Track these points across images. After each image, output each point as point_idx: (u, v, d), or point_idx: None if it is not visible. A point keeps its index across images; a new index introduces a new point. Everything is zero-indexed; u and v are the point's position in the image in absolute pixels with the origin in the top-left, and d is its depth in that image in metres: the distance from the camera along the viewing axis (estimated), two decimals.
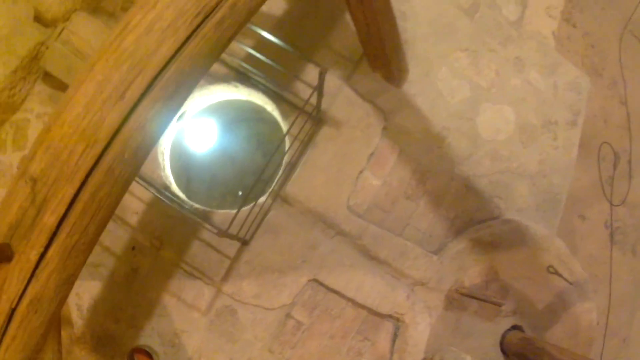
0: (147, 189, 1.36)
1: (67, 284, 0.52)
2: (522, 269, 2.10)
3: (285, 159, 1.75)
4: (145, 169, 1.64)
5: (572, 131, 2.31)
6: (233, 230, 1.32)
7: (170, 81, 0.63)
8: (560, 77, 2.33)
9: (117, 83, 0.58)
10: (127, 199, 1.51)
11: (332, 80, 1.81)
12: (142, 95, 0.60)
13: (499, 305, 2.01)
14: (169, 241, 1.53)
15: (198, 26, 0.65)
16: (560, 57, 2.43)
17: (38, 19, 1.62)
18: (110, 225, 1.44)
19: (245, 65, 1.68)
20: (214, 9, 0.70)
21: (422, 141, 1.93)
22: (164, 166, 1.77)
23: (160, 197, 1.41)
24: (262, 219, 1.65)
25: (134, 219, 1.51)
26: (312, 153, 1.74)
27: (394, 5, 1.92)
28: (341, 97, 1.80)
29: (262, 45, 1.60)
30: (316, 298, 1.72)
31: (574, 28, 3.59)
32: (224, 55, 1.75)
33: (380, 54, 1.77)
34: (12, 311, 0.50)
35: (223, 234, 1.27)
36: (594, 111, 3.55)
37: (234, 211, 1.29)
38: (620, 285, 3.53)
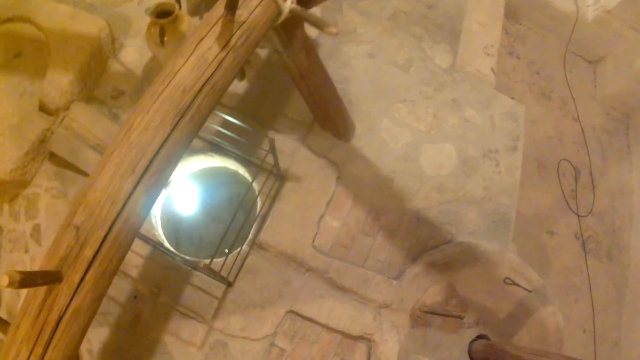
0: (147, 242, 1.80)
1: (98, 299, 0.91)
2: (478, 283, 2.47)
3: (258, 212, 2.18)
4: (142, 229, 2.07)
5: (513, 156, 2.75)
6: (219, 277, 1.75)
7: (162, 160, 1.07)
8: (495, 109, 2.79)
9: (128, 164, 1.01)
10: (128, 254, 1.94)
11: (290, 143, 2.28)
12: (145, 171, 1.03)
13: (460, 317, 2.38)
14: (166, 288, 1.95)
15: (177, 123, 1.10)
16: (494, 92, 2.90)
17: (43, 109, 2.13)
18: (115, 279, 1.87)
19: (217, 139, 2.16)
20: (186, 110, 1.15)
21: (373, 185, 2.37)
22: (156, 227, 2.21)
23: (160, 249, 1.85)
24: (242, 264, 2.07)
25: (134, 272, 1.94)
26: (279, 205, 2.18)
27: (337, 71, 2.44)
28: (298, 156, 2.26)
29: (230, 122, 2.07)
30: (295, 326, 2.10)
31: (518, 59, 4.12)
32: (200, 132, 2.22)
33: (327, 117, 2.25)
34: (60, 319, 0.90)
35: (213, 272, 1.70)
36: (548, 132, 3.99)
37: (221, 259, 1.72)
38: (601, 291, 3.81)
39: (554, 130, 4.02)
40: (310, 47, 1.86)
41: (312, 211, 2.23)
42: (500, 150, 2.77)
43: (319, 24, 1.37)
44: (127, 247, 0.96)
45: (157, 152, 0.97)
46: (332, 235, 2.26)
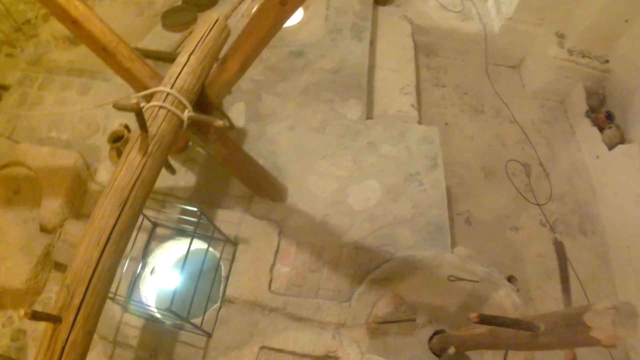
0: (147, 310, 2.55)
1: (89, 334, 1.60)
2: (423, 287, 3.07)
3: (223, 274, 2.91)
4: (138, 308, 2.81)
5: (435, 173, 3.44)
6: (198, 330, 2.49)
7: (116, 235, 1.82)
8: (410, 139, 3.52)
9: (95, 240, 1.76)
10: (128, 329, 2.69)
11: (236, 215, 3.07)
12: (106, 243, 1.78)
13: (412, 320, 2.96)
14: (161, 349, 2.66)
15: (121, 210, 1.85)
16: (406, 125, 3.64)
17: (43, 229, 3.01)
18: (118, 350, 2.60)
19: (182, 225, 2.95)
20: (126, 200, 1.91)
21: (311, 230, 3.08)
22: (149, 304, 2.95)
23: (159, 312, 2.58)
24: (217, 317, 2.76)
25: (134, 342, 2.68)
26: (236, 265, 2.92)
27: (266, 148, 3.24)
28: (244, 223, 3.02)
29: (185, 210, 2.85)
30: (269, 359, 2.73)
31: (445, 87, 4.89)
32: (165, 222, 3.01)
33: (259, 187, 3.04)
34: (63, 349, 1.60)
35: (196, 328, 2.43)
36: (489, 142, 4.67)
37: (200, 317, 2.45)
38: (585, 265, 4.28)
39: (494, 138, 4.68)
40: (225, 138, 2.67)
41: (264, 263, 2.94)
42: (421, 172, 3.45)
43: (209, 122, 2.13)
44: (104, 294, 1.70)
45: (111, 230, 1.73)
46: (284, 278, 2.95)
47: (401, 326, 3.01)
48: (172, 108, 1.98)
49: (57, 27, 4.12)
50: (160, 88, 2.03)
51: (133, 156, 1.87)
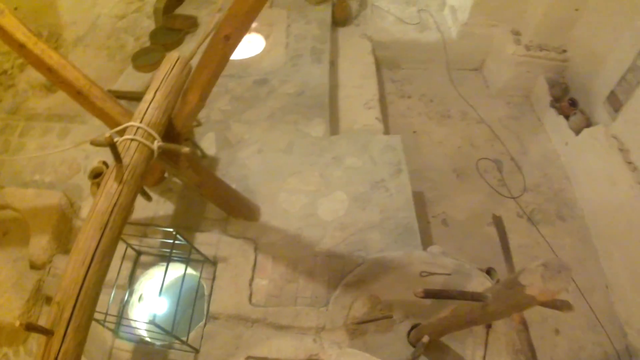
0: (135, 333, 2.84)
1: (80, 345, 1.89)
2: (397, 285, 3.34)
3: (206, 292, 3.21)
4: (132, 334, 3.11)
5: (399, 178, 3.76)
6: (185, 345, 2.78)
7: (99, 255, 2.13)
8: (373, 149, 3.85)
9: (80, 260, 2.08)
10: (120, 353, 2.98)
11: (214, 236, 3.40)
12: (90, 262, 2.09)
13: (389, 317, 3.22)
14: None
15: (103, 232, 2.17)
16: (368, 136, 3.97)
17: (33, 266, 3.34)
18: None
19: (163, 250, 3.27)
20: (106, 224, 2.23)
21: (285, 244, 3.40)
22: (139, 328, 3.25)
23: (147, 332, 2.87)
24: (203, 333, 3.05)
25: None
26: (217, 282, 3.23)
27: (237, 172, 3.58)
28: (222, 243, 3.35)
29: (168, 236, 3.17)
30: None
31: (410, 98, 5.25)
32: (148, 249, 3.33)
33: (232, 209, 3.36)
34: (56, 359, 1.90)
35: (184, 344, 2.72)
36: (458, 144, 4.99)
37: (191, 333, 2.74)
38: (568, 249, 4.54)
39: (463, 140, 5.01)
40: (195, 165, 3.02)
41: (243, 279, 3.24)
42: (386, 178, 3.78)
43: (176, 150, 2.47)
44: (91, 309, 2.01)
45: (94, 251, 2.05)
46: (263, 291, 3.25)
47: (379, 324, 3.27)
48: (142, 140, 2.34)
49: (33, 75, 4.56)
50: (131, 123, 2.39)
51: (110, 185, 2.23)
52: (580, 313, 4.23)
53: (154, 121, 2.47)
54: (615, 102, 4.49)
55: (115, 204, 2.16)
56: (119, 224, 2.23)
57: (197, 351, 3.05)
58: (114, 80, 4.75)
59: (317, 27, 4.86)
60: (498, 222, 2.44)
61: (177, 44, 4.75)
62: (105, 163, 3.45)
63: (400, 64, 5.43)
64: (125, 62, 4.93)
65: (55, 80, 2.54)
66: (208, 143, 3.88)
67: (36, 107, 4.51)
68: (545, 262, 1.78)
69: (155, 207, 3.56)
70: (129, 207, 2.29)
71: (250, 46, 4.83)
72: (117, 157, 2.18)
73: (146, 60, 4.58)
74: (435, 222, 4.48)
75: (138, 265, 3.40)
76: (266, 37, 4.78)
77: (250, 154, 3.85)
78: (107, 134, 2.10)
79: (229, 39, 2.26)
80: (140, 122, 2.41)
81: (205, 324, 3.17)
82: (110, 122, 2.69)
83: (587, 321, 4.17)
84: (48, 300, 3.35)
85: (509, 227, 4.59)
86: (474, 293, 2.22)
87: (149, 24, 5.19)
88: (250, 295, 3.25)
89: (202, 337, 3.11)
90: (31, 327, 1.84)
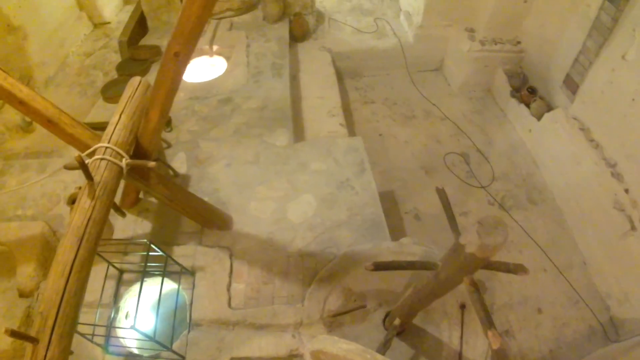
0: (123, 347, 3.11)
1: (64, 352, 2.14)
2: (368, 276, 3.63)
3: (187, 302, 3.49)
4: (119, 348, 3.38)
5: (364, 176, 4.09)
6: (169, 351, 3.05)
7: (77, 266, 2.41)
8: (336, 152, 4.20)
9: (60, 271, 2.35)
10: None
11: (190, 248, 3.70)
12: (69, 273, 2.36)
13: (363, 307, 3.50)
14: None
15: (80, 244, 2.45)
16: (330, 140, 4.31)
17: (21, 294, 3.63)
18: None
19: (143, 265, 3.56)
20: (82, 236, 2.52)
21: (259, 249, 3.70)
22: (125, 343, 3.52)
23: (131, 341, 3.15)
24: (187, 340, 3.33)
25: None
26: (197, 291, 3.52)
27: (209, 186, 3.91)
28: (198, 253, 3.65)
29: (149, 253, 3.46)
30: None
31: (374, 103, 5.64)
32: (129, 267, 3.61)
33: (205, 220, 3.68)
34: None
35: (171, 352, 2.99)
36: (423, 142, 5.36)
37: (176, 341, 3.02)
38: (542, 231, 4.85)
39: (428, 137, 5.38)
40: (165, 180, 3.34)
41: (220, 285, 3.53)
42: (351, 178, 4.11)
43: (143, 165, 2.79)
44: (73, 316, 2.29)
45: (73, 262, 2.34)
46: (241, 294, 3.54)
47: (354, 315, 3.54)
48: (111, 158, 2.68)
49: (8, 117, 4.90)
50: (100, 144, 2.73)
51: (84, 201, 2.54)
52: (560, 291, 4.51)
53: (121, 141, 2.82)
54: (571, 85, 4.88)
55: (89, 219, 2.48)
56: (94, 236, 2.55)
57: (182, 358, 3.32)
58: (87, 115, 5.11)
59: (276, 44, 5.26)
60: (441, 193, 2.71)
61: (143, 73, 5.13)
62: (80, 188, 3.77)
63: (362, 72, 5.83)
64: (97, 96, 5.28)
65: (26, 111, 2.87)
66: (179, 162, 4.21)
67: (14, 148, 4.84)
68: (480, 219, 1.93)
69: (133, 226, 3.87)
70: (102, 221, 2.61)
71: (214, 68, 5.22)
72: (88, 175, 2.51)
73: (114, 91, 4.93)
74: (408, 218, 4.80)
75: (122, 283, 3.69)
76: (228, 59, 5.17)
77: (220, 169, 4.18)
78: (77, 155, 2.44)
79: (179, 55, 2.61)
80: (108, 142, 2.76)
81: (189, 331, 3.44)
82: (81, 146, 3.02)
83: (568, 298, 4.45)
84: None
85: (481, 216, 4.89)
86: (423, 262, 2.52)
87: (117, 58, 5.57)
88: (229, 299, 3.53)
89: (187, 345, 3.38)
90: (16, 334, 2.11)
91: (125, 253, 3.77)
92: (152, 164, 2.75)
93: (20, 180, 4.30)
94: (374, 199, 4.05)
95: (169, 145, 4.23)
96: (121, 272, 3.71)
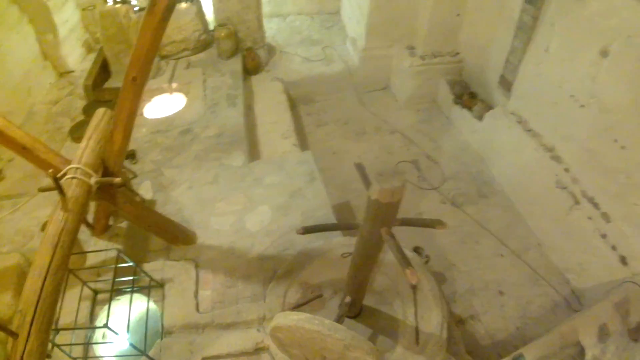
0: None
1: (42, 344, 2.49)
2: (323, 269, 4.15)
3: (159, 312, 3.97)
4: None
5: (314, 184, 4.70)
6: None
7: (52, 269, 2.79)
8: (288, 166, 4.80)
9: (38, 274, 2.74)
10: None
11: (159, 263, 4.23)
12: (46, 274, 2.76)
13: (320, 296, 4.00)
14: None
15: (54, 251, 2.89)
16: (282, 157, 4.90)
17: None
18: None
19: (119, 286, 4.06)
20: (57, 244, 3.00)
21: (222, 258, 4.23)
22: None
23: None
24: (160, 347, 3.79)
25: None
26: (167, 300, 4.01)
27: (173, 208, 4.48)
28: (166, 267, 4.17)
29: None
30: None
31: (327, 125, 6.35)
32: (103, 286, 4.09)
33: (170, 237, 4.21)
34: (22, 358, 2.61)
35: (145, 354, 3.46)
36: (375, 154, 5.99)
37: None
38: (495, 221, 5.40)
39: (380, 150, 6.03)
40: (131, 199, 3.88)
41: (188, 293, 4.03)
42: (303, 187, 4.70)
43: (110, 182, 3.34)
44: (50, 314, 2.73)
45: (49, 265, 2.82)
46: (208, 300, 4.03)
47: (312, 305, 4.02)
48: (81, 177, 3.23)
49: None
50: (71, 165, 3.29)
51: (58, 212, 3.06)
52: (520, 272, 5.00)
53: (90, 162, 3.37)
54: (505, 84, 5.59)
55: (63, 228, 2.99)
56: (68, 244, 3.06)
57: None
58: None
59: (230, 78, 5.95)
60: (359, 167, 3.26)
61: None
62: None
63: (314, 97, 6.53)
64: (65, 140, 5.87)
65: (3, 140, 3.44)
66: (145, 190, 4.77)
67: None
68: (380, 171, 2.29)
69: (106, 250, 4.40)
70: (74, 231, 3.14)
71: (174, 104, 5.88)
72: (61, 191, 3.06)
73: (82, 132, 5.50)
74: None
75: (97, 303, 4.17)
76: (186, 94, 5.84)
77: (182, 192, 4.75)
78: (50, 171, 3.01)
79: (136, 79, 3.24)
80: (78, 164, 3.35)
81: (161, 338, 3.91)
82: (54, 170, 3.60)
83: (529, 278, 4.94)
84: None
85: (435, 214, 5.47)
86: (347, 223, 3.05)
87: (82, 104, 6.19)
88: (197, 305, 4.01)
89: (160, 350, 3.84)
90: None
91: (99, 274, 4.27)
92: (117, 180, 3.32)
93: None
94: (324, 203, 4.62)
95: (135, 175, 4.80)
96: (95, 292, 4.19)
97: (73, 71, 7.38)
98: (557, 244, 4.98)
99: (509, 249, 5.14)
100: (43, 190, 3.15)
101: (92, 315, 4.11)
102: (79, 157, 3.33)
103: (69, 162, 3.43)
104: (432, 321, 3.86)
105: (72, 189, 3.11)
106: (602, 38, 4.14)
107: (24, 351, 2.49)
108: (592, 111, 4.37)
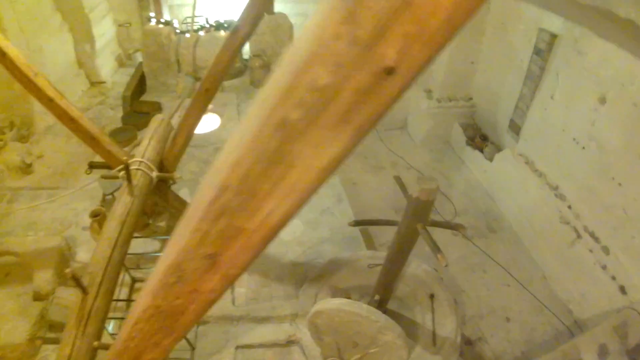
0: None
1: (107, 303, 2.90)
2: (350, 276, 4.71)
3: None
4: None
5: (341, 205, 5.31)
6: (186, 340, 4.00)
7: (120, 242, 3.22)
8: None
9: (106, 244, 3.23)
10: None
11: None
12: (114, 246, 3.22)
13: (348, 298, 4.53)
14: None
15: (122, 228, 3.44)
16: None
17: (36, 298, 4.44)
18: None
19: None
20: (124, 222, 3.55)
21: (258, 262, 4.61)
22: None
23: None
24: (196, 333, 4.29)
25: None
26: None
27: None
28: None
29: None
30: (244, 354, 4.23)
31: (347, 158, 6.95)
32: (143, 277, 4.60)
33: None
34: (90, 312, 2.82)
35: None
36: (392, 187, 6.56)
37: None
38: (502, 253, 6.11)
39: (396, 184, 6.65)
40: (179, 198, 4.48)
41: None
42: (331, 206, 5.34)
43: (169, 177, 3.97)
44: (115, 278, 3.29)
45: (117, 239, 3.35)
46: (243, 296, 4.56)
47: None
48: (145, 169, 3.85)
49: (10, 158, 5.94)
50: (136, 159, 3.91)
51: (125, 197, 3.65)
52: (525, 301, 5.56)
53: (152, 158, 4.01)
54: (515, 128, 6.38)
55: (129, 210, 3.58)
56: (132, 223, 3.62)
57: (193, 348, 4.24)
58: (83, 163, 6.17)
59: None
60: (397, 179, 3.96)
61: (145, 124, 6.40)
62: (102, 207, 4.83)
63: None
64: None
65: (75, 128, 4.04)
66: (183, 196, 5.31)
67: (12, 186, 5.82)
68: (419, 176, 3.29)
69: (143, 246, 4.93)
70: (138, 214, 3.72)
71: (209, 124, 6.55)
72: (129, 178, 3.67)
73: (120, 137, 6.14)
74: (382, 249, 5.95)
75: (134, 291, 4.67)
76: (221, 115, 6.53)
77: None
78: (125, 158, 3.63)
79: (209, 91, 3.93)
80: (142, 157, 3.97)
81: (197, 326, 4.40)
82: (115, 161, 4.14)
83: (533, 307, 5.48)
84: (51, 327, 4.45)
85: (447, 244, 6.10)
86: (388, 220, 3.70)
87: (113, 114, 6.84)
88: (233, 299, 4.54)
89: (195, 337, 4.32)
90: (75, 279, 3.07)
91: (138, 265, 4.80)
92: (177, 175, 3.96)
93: (30, 208, 5.35)
94: (350, 221, 5.25)
95: (175, 182, 5.42)
96: (134, 280, 4.70)
97: (104, 82, 8.07)
98: (560, 276, 5.56)
99: (515, 279, 5.75)
100: (106, 178, 3.76)
101: (129, 303, 4.60)
102: (142, 153, 3.96)
103: (130, 156, 4.04)
104: (448, 327, 4.44)
105: (137, 179, 3.72)
106: (600, 86, 4.88)
107: (92, 307, 2.90)
108: (591, 152, 5.06)
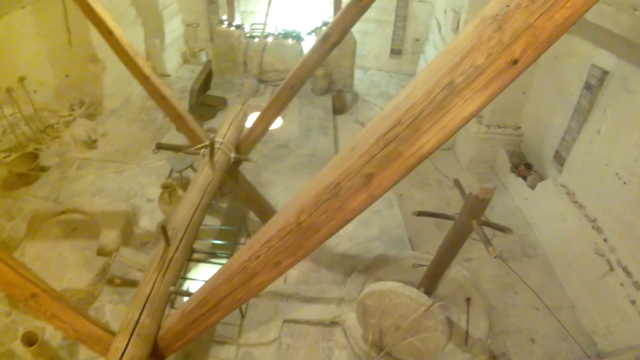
0: None
1: (185, 257, 3.55)
2: (395, 272, 5.26)
3: None
4: None
5: (392, 209, 5.95)
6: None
7: (200, 208, 3.91)
8: None
9: (188, 207, 3.83)
10: None
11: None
12: (195, 210, 3.85)
13: None
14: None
15: (202, 196, 4.13)
16: None
17: (100, 253, 5.11)
18: None
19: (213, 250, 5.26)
20: (204, 193, 4.25)
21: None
22: None
23: None
24: (247, 304, 4.93)
25: None
26: None
27: (270, 201, 5.70)
28: None
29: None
30: (291, 328, 4.84)
31: None
32: (200, 249, 5.28)
33: (267, 219, 5.45)
34: (170, 260, 3.32)
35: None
36: (435, 203, 7.23)
37: None
38: (534, 278, 6.45)
39: (440, 200, 7.31)
40: (247, 182, 5.17)
41: None
42: (382, 209, 5.97)
43: (246, 159, 4.66)
44: (194, 235, 3.85)
45: (198, 204, 3.96)
46: (294, 277, 5.19)
47: None
48: (225, 149, 4.56)
49: (77, 131, 6.74)
50: (218, 139, 4.62)
51: (206, 171, 4.28)
52: (551, 327, 5.98)
53: (231, 140, 4.68)
54: (559, 159, 6.86)
55: (209, 182, 4.13)
56: (211, 195, 4.14)
57: (243, 316, 4.87)
58: (146, 145, 6.99)
59: (322, 111, 7.40)
60: (456, 181, 4.56)
61: (211, 116, 7.17)
62: (172, 182, 5.53)
63: None
64: (157, 132, 7.21)
65: (164, 105, 4.73)
66: None
67: (78, 157, 6.61)
68: (479, 179, 3.83)
69: (210, 215, 5.60)
70: (217, 187, 4.31)
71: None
72: (212, 154, 4.32)
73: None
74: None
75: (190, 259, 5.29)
76: (283, 117, 7.26)
77: (278, 192, 6.00)
78: (212, 135, 4.33)
79: (294, 87, 4.61)
80: (223, 139, 4.67)
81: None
82: (197, 139, 4.77)
83: (559, 333, 5.86)
84: (109, 281, 5.07)
85: (482, 263, 6.65)
86: (450, 215, 4.31)
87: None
88: (285, 278, 5.17)
89: (246, 307, 4.95)
90: (163, 229, 3.55)
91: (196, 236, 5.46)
92: (253, 159, 4.66)
93: (98, 177, 6.10)
94: (399, 225, 5.85)
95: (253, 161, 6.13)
96: (192, 250, 5.34)
97: (169, 75, 8.91)
98: (588, 307, 5.85)
99: (544, 304, 6.23)
100: (187, 152, 4.41)
101: (185, 270, 5.24)
102: (223, 134, 4.59)
103: (208, 137, 4.46)
104: (481, 330, 4.97)
105: (218, 156, 4.33)
106: None
107: (172, 258, 3.39)
108: (632, 188, 5.41)
